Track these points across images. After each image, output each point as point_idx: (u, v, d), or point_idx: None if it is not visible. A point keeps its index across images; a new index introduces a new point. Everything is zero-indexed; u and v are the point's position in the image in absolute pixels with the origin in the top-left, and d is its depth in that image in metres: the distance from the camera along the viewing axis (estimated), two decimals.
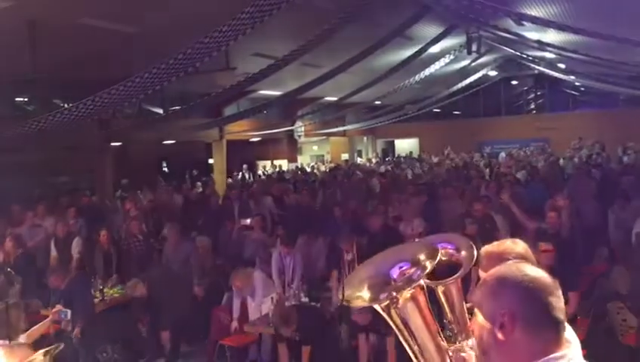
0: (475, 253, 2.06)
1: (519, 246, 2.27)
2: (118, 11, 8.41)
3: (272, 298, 6.32)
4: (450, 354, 1.72)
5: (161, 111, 15.29)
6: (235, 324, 6.55)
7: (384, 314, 1.65)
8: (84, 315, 6.27)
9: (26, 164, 14.91)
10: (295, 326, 5.40)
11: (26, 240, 8.36)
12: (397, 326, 1.65)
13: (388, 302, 1.62)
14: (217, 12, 7.26)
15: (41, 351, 2.82)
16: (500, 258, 2.13)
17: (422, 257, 1.66)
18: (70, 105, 9.65)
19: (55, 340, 6.91)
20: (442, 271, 1.83)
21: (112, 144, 15.33)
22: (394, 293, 1.61)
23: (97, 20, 8.60)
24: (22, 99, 13.70)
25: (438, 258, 1.65)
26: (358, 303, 1.67)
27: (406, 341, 1.67)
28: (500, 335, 1.35)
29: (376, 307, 1.64)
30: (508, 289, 1.38)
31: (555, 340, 1.36)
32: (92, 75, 11.34)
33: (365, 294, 1.66)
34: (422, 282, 1.64)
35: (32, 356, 2.77)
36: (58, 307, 5.80)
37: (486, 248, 2.28)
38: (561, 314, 1.37)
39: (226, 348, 6.62)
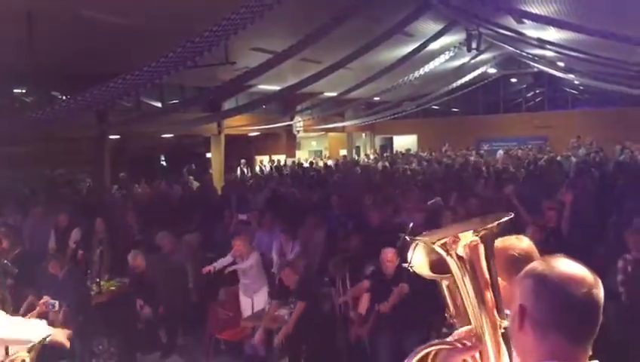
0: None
1: (524, 242, 2.27)
2: (117, 4, 8.37)
3: (268, 291, 6.32)
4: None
5: (159, 104, 15.26)
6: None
7: (443, 253, 1.58)
8: (78, 307, 6.25)
9: (24, 155, 14.89)
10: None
11: (31, 232, 8.34)
12: (456, 264, 1.58)
13: (448, 239, 1.56)
14: (217, 6, 7.24)
15: (25, 347, 2.78)
16: (504, 254, 2.13)
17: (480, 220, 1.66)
18: (68, 97, 9.65)
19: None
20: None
21: (110, 137, 15.31)
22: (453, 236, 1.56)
23: (96, 12, 8.56)
24: (20, 90, 13.66)
25: (499, 221, 1.62)
26: (418, 246, 1.66)
27: (464, 285, 1.61)
28: (516, 325, 1.35)
29: (437, 248, 1.58)
30: (526, 280, 1.35)
31: (565, 347, 1.28)
32: (91, 68, 11.31)
33: (426, 238, 1.64)
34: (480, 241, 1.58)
35: (15, 354, 2.73)
36: (46, 298, 5.79)
37: None
38: (584, 320, 1.28)
39: (221, 342, 6.63)
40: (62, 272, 6.41)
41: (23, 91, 13.83)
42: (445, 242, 1.56)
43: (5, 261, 6.97)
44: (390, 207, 8.79)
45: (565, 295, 1.28)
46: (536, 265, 1.37)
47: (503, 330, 1.54)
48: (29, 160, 15.09)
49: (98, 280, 7.31)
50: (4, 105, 12.40)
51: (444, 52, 14.33)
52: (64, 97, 10.05)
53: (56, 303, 6.06)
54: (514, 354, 1.49)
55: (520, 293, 1.35)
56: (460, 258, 1.57)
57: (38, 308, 5.29)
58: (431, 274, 1.84)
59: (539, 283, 1.31)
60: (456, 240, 1.55)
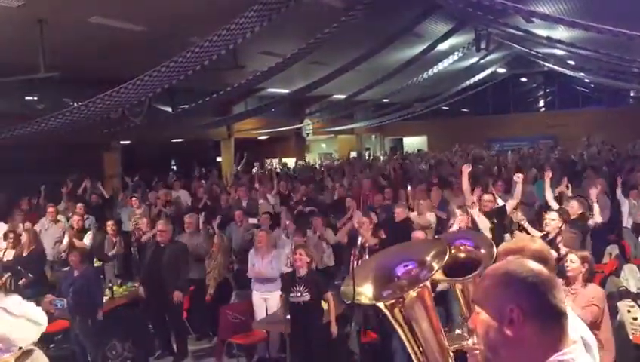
0: (495, 250, 2.04)
1: (537, 243, 2.26)
2: (127, 10, 8.44)
3: (280, 295, 6.31)
4: (452, 354, 1.70)
5: (169, 109, 15.33)
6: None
7: (387, 313, 1.62)
8: (92, 307, 6.29)
9: (36, 161, 15.01)
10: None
11: (43, 234, 8.45)
12: (400, 326, 1.63)
13: (392, 301, 1.59)
14: (225, 10, 7.27)
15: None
16: (519, 255, 2.12)
17: (429, 257, 1.64)
18: (79, 103, 9.73)
19: (63, 337, 7.00)
20: (460, 268, 1.81)
21: (121, 142, 15.43)
22: (398, 292, 1.59)
23: (107, 19, 8.63)
24: (32, 97, 13.78)
25: (446, 259, 1.63)
26: (361, 299, 1.64)
27: (408, 341, 1.66)
28: (509, 332, 1.34)
29: (379, 305, 1.62)
30: (515, 284, 1.37)
31: (562, 335, 1.36)
32: (101, 74, 11.41)
33: (368, 291, 1.63)
34: (428, 283, 1.62)
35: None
36: (49, 296, 5.82)
37: (504, 245, 2.27)
38: (564, 308, 1.37)
39: (234, 346, 6.64)
40: (79, 270, 6.43)
41: (35, 98, 13.95)
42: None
43: (19, 267, 7.07)
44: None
45: (552, 288, 1.37)
46: (517, 268, 1.41)
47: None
48: (40, 165, 15.21)
49: (111, 284, 7.35)
50: (16, 112, 12.52)
51: (453, 52, 14.29)
52: (75, 104, 10.11)
53: (64, 301, 6.12)
54: None
55: (508, 298, 1.36)
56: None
57: (42, 306, 5.32)
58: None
59: (533, 284, 1.36)
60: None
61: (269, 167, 20.59)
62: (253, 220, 8.95)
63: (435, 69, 14.79)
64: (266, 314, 6.61)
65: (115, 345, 6.63)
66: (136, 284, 7.39)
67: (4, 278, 6.44)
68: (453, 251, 1.93)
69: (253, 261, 6.81)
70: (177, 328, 7.03)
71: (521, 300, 1.34)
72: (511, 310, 1.33)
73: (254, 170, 19.87)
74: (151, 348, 7.02)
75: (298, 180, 13.99)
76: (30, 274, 6.98)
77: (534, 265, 1.42)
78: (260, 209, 9.89)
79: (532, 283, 1.36)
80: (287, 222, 8.00)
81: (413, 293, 1.56)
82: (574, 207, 6.68)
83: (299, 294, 5.66)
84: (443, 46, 13.43)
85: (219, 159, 20.19)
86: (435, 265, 1.60)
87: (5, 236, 7.85)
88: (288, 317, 5.80)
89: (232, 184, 13.52)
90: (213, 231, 8.03)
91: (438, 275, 1.86)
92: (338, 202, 10.39)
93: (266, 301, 6.68)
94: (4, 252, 7.69)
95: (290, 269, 6.46)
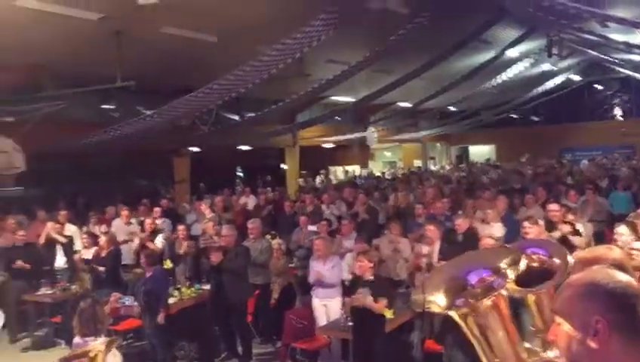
0: (570, 260, 1.96)
1: (615, 252, 2.16)
2: (199, 21, 8.70)
3: (342, 302, 6.30)
4: None
5: (237, 117, 15.67)
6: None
7: (460, 322, 1.58)
8: (162, 307, 6.51)
9: (110, 167, 15.71)
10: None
11: (118, 236, 8.88)
12: (474, 336, 1.58)
13: (466, 310, 1.55)
14: (293, 20, 7.38)
15: (102, 341, 2.91)
16: (596, 264, 2.04)
17: (504, 265, 1.59)
18: (152, 111, 10.11)
19: (135, 335, 7.28)
20: (533, 278, 1.75)
21: (190, 149, 15.91)
22: (471, 301, 1.55)
23: (179, 30, 8.93)
24: (108, 106, 14.41)
25: (521, 266, 1.58)
26: (432, 308, 1.60)
27: (483, 352, 1.60)
28: (593, 344, 1.28)
29: (452, 314, 1.58)
30: (601, 294, 1.31)
31: None
32: (173, 83, 11.81)
33: (440, 299, 1.59)
34: (503, 291, 1.57)
35: (93, 345, 2.86)
36: (117, 295, 6.06)
37: (579, 254, 2.19)
38: None
39: (297, 351, 6.68)
40: (149, 271, 6.68)
41: (111, 107, 14.60)
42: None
43: (95, 266, 7.46)
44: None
45: (631, 296, 1.30)
46: (603, 278, 1.34)
47: None
48: (114, 171, 15.91)
49: (179, 286, 7.57)
50: (93, 121, 13.12)
51: (523, 59, 13.91)
52: (148, 112, 10.51)
53: (131, 299, 6.36)
54: None
55: (594, 309, 1.29)
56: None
57: (109, 304, 5.55)
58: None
59: (620, 295, 1.29)
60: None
61: (331, 177, 20.79)
62: (312, 227, 9.02)
63: (504, 76, 14.43)
64: (327, 320, 6.62)
65: (184, 346, 6.83)
66: (204, 287, 7.59)
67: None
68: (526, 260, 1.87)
69: (314, 267, 6.85)
70: (242, 331, 7.14)
71: (607, 312, 1.27)
72: (596, 321, 1.27)
73: (318, 179, 20.07)
74: (216, 349, 7.16)
75: (361, 189, 13.98)
76: (105, 273, 7.33)
77: (622, 276, 1.34)
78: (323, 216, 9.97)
79: (620, 294, 1.29)
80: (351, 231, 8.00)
81: (487, 302, 1.51)
82: None
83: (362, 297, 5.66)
84: (513, 52, 13.10)
85: (283, 166, 20.45)
86: (510, 273, 1.55)
87: (87, 235, 8.35)
88: (351, 324, 5.79)
89: (297, 191, 13.70)
90: (275, 236, 8.16)
91: (510, 285, 1.81)
92: (400, 211, 10.33)
93: (327, 307, 6.69)
94: (82, 251, 8.16)
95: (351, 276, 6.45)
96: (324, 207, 11.20)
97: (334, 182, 20.01)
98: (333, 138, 19.83)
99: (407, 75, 12.14)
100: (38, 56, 9.61)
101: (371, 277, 5.73)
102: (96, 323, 4.05)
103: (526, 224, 6.22)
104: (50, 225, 9.11)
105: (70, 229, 9.47)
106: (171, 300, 7.04)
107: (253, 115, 13.97)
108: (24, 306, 8.11)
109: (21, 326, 8.18)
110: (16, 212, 10.39)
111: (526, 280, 1.90)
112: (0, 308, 8.13)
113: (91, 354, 2.49)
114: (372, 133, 19.98)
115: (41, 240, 8.88)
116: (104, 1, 7.46)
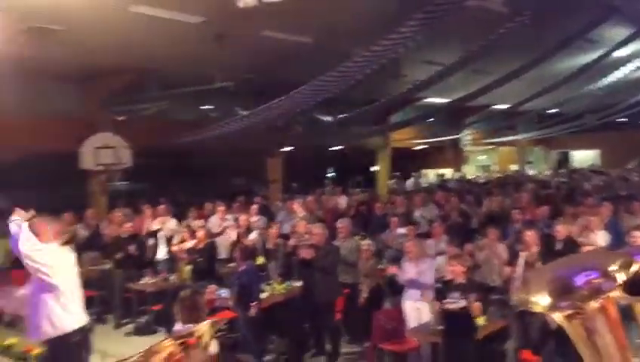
0: None
1: None
2: (295, 23, 8.86)
3: (434, 304, 6.20)
4: None
5: (330, 118, 15.84)
6: None
7: (564, 325, 1.51)
8: (254, 301, 6.71)
9: (208, 165, 16.38)
10: None
11: (214, 230, 9.34)
12: (579, 338, 1.51)
13: (571, 311, 1.48)
14: (388, 20, 7.34)
15: (208, 321, 3.04)
16: None
17: (614, 268, 1.50)
18: (248, 112, 10.43)
19: (229, 327, 7.55)
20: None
21: (283, 149, 16.27)
22: (578, 302, 1.48)
23: (277, 32, 9.15)
24: (206, 106, 15.03)
25: (633, 271, 1.49)
26: (535, 308, 1.54)
27: (590, 358, 1.53)
28: None
29: (555, 316, 1.51)
30: None
31: None
32: (269, 84, 12.12)
33: (543, 300, 1.53)
34: (612, 295, 1.49)
35: (200, 325, 3.00)
36: (213, 287, 6.30)
37: None
38: None
39: (385, 353, 6.65)
40: (242, 265, 6.92)
41: (210, 107, 15.22)
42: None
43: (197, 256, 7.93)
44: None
45: None
46: None
47: None
48: (210, 170, 16.57)
49: (271, 282, 7.77)
50: (192, 120, 13.75)
51: (633, 59, 13.02)
52: (244, 112, 10.85)
53: (227, 291, 6.61)
54: None
55: None
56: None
57: (206, 295, 5.83)
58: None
59: None
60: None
61: (421, 180, 20.51)
62: (402, 230, 8.94)
63: (612, 78, 13.59)
64: (418, 323, 6.54)
65: (274, 340, 7.00)
66: (295, 283, 7.74)
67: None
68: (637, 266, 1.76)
69: (405, 268, 6.79)
70: (331, 329, 7.21)
71: None
72: None
73: (409, 181, 19.86)
74: (305, 346, 7.28)
75: (453, 192, 13.69)
76: (202, 265, 7.71)
77: None
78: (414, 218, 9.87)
79: None
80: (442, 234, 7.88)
81: (595, 304, 1.44)
82: None
83: (454, 301, 5.54)
84: (621, 52, 12.30)
85: (374, 168, 20.40)
86: (620, 277, 1.46)
87: (186, 229, 8.86)
88: (441, 327, 5.69)
89: (388, 193, 13.65)
90: (364, 237, 8.17)
91: (619, 292, 1.71)
92: (494, 216, 10.01)
93: (418, 310, 6.61)
94: (182, 244, 8.63)
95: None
96: (415, 209, 11.08)
97: (425, 185, 19.73)
98: (426, 140, 19.56)
99: (507, 75, 11.73)
100: (144, 59, 10.18)
101: (463, 281, 5.61)
102: (197, 311, 4.25)
103: (636, 233, 5.86)
104: (152, 218, 9.67)
105: (171, 223, 9.99)
106: (263, 295, 7.25)
107: (346, 115, 14.04)
108: (128, 294, 8.64)
109: (125, 313, 8.72)
110: (123, 205, 11.10)
111: (634, 290, 1.79)
112: (106, 295, 8.78)
113: (197, 334, 2.63)
114: (466, 136, 19.53)
115: (144, 232, 9.43)
116: (206, 6, 7.79)
